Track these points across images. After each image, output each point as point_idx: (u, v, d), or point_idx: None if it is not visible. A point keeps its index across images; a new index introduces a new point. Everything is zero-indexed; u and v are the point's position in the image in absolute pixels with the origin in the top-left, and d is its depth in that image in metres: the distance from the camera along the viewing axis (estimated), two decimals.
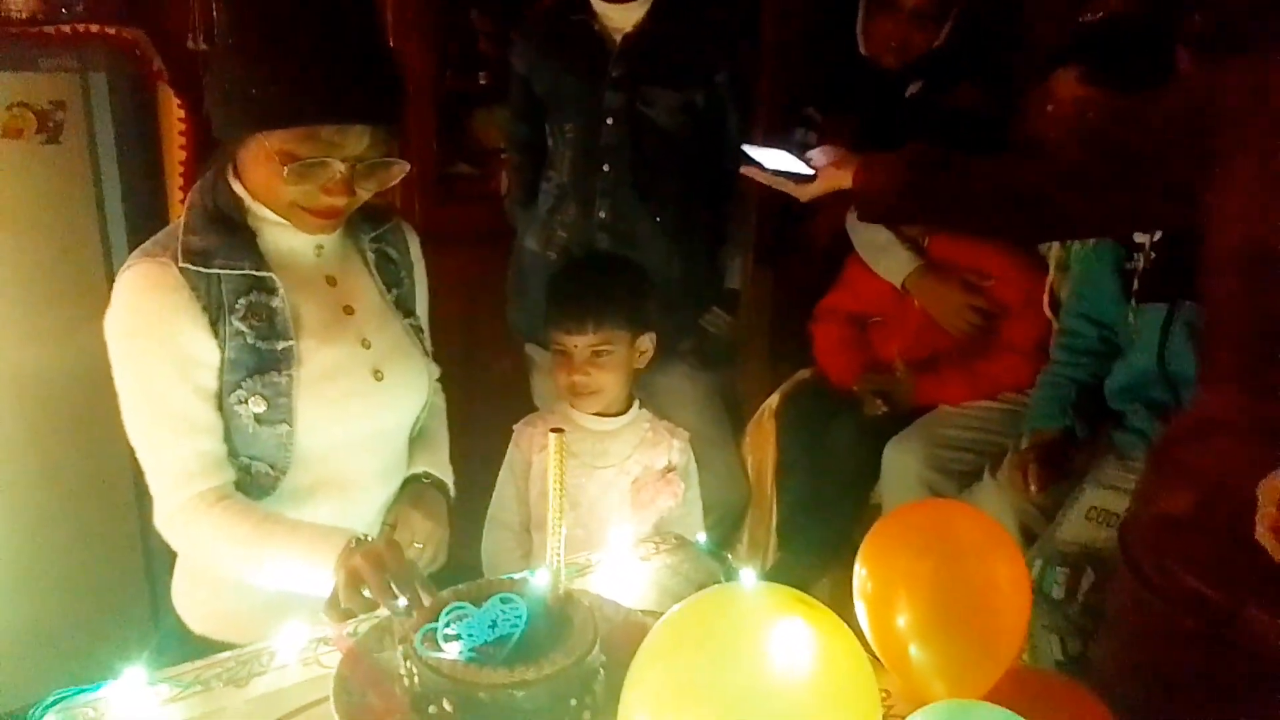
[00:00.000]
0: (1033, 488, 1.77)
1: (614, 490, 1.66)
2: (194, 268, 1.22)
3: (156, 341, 1.22)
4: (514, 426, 1.71)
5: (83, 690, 1.03)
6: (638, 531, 1.61)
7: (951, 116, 2.20)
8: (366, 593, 1.11)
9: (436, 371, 1.51)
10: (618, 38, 2.03)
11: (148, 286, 1.23)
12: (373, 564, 1.11)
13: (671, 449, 1.70)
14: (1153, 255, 1.71)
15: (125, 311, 1.23)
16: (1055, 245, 2.05)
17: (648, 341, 1.67)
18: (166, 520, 1.27)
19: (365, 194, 1.25)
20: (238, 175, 1.28)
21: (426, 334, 1.48)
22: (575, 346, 1.60)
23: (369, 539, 1.19)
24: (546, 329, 1.66)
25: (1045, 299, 2.06)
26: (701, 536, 1.43)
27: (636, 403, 1.70)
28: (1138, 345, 1.73)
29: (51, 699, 1.02)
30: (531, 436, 1.67)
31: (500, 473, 1.71)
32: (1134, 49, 1.85)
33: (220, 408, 1.26)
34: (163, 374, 1.22)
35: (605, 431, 1.66)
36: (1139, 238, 1.74)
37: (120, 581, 2.02)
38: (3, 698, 1.97)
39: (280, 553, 1.23)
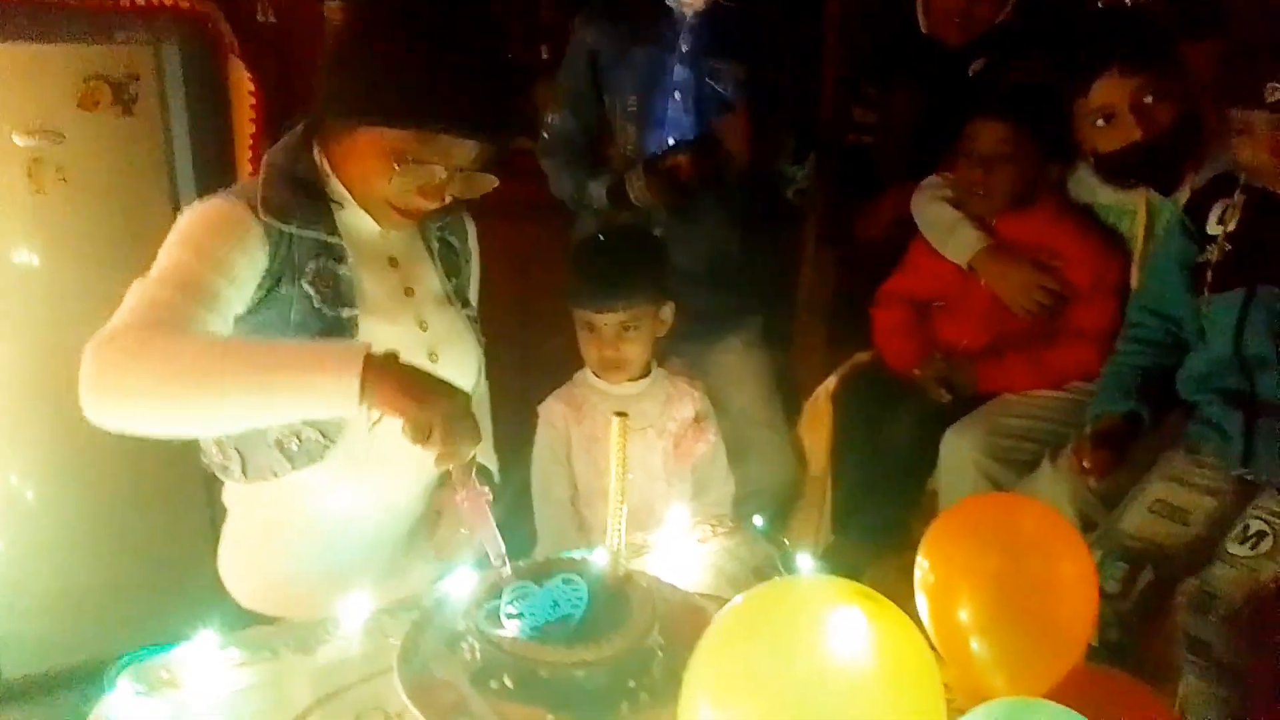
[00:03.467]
0: (1090, 473, 1.73)
1: (656, 451, 1.72)
2: (271, 220, 1.23)
3: (214, 240, 1.19)
4: (538, 407, 1.74)
5: (157, 650, 1.06)
6: (679, 481, 1.70)
7: (1016, 92, 2.14)
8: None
9: (483, 362, 1.53)
10: (688, 12, 2.04)
11: (221, 209, 1.22)
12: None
13: (693, 398, 1.77)
14: (1227, 246, 1.66)
15: (191, 219, 1.22)
16: (1141, 223, 1.99)
17: (669, 311, 1.71)
18: (107, 336, 1.09)
19: (449, 199, 1.27)
20: (324, 152, 1.29)
21: (478, 324, 1.49)
22: (605, 323, 1.65)
23: (395, 355, 1.11)
24: (573, 304, 1.68)
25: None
26: (759, 520, 1.42)
27: (654, 363, 1.75)
28: (1211, 334, 1.68)
29: (125, 659, 1.05)
30: (564, 413, 1.72)
31: (536, 451, 1.75)
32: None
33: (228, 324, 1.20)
34: (203, 257, 1.18)
35: (632, 395, 1.71)
36: (1213, 229, 1.69)
37: (188, 546, 2.07)
38: (74, 651, 2.05)
39: (282, 362, 1.11)
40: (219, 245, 1.20)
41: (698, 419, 1.76)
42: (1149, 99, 1.83)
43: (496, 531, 1.11)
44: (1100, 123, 1.88)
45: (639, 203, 2.06)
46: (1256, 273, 1.60)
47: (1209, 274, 1.67)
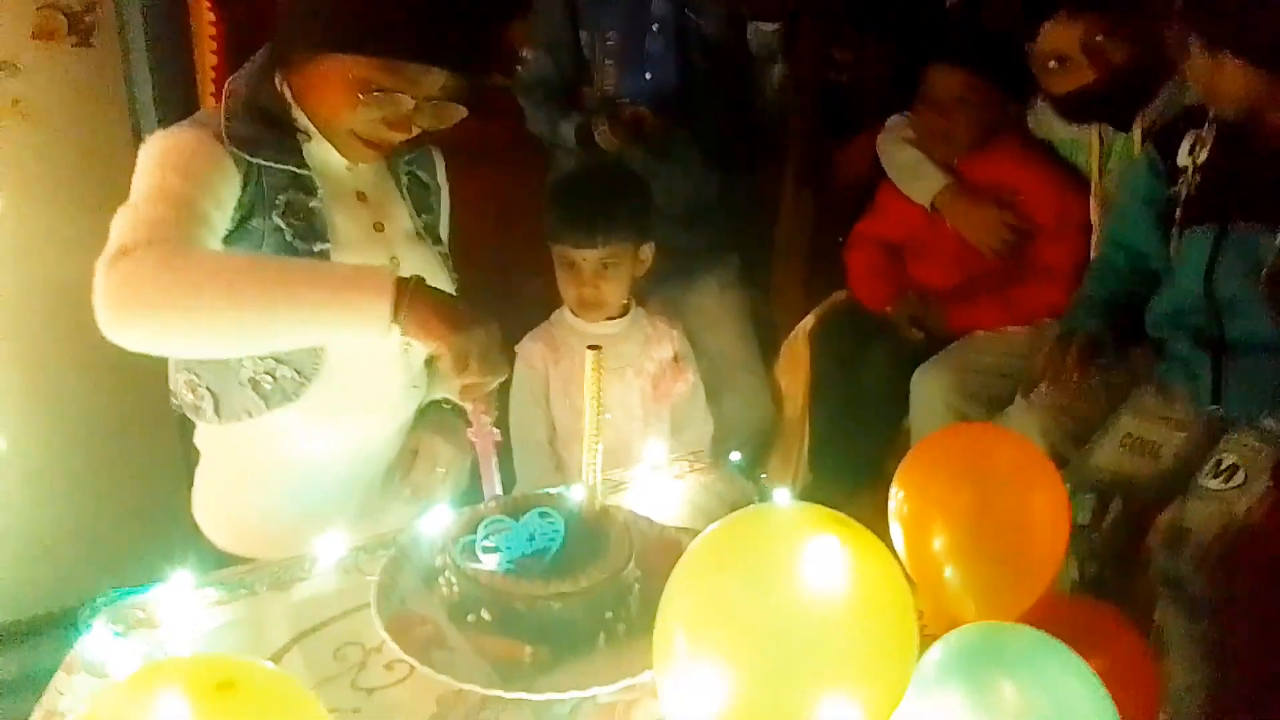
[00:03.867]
0: (1073, 370, 1.74)
1: (634, 390, 1.73)
2: (238, 151, 1.20)
3: (192, 161, 1.16)
4: (515, 347, 1.73)
5: (131, 591, 1.05)
6: (657, 421, 1.70)
7: (973, 38, 2.12)
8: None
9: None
10: None
11: (189, 139, 1.19)
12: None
13: (672, 339, 1.77)
14: (1197, 179, 1.65)
15: (160, 148, 1.18)
16: (1095, 158, 1.98)
17: (648, 250, 1.70)
18: (118, 254, 1.04)
19: (417, 131, 1.25)
20: (288, 83, 1.25)
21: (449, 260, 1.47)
22: (584, 260, 1.64)
23: (422, 279, 1.10)
24: (553, 241, 1.67)
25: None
26: (736, 456, 1.43)
27: (633, 303, 1.74)
28: (1181, 271, 1.68)
29: (101, 600, 1.05)
30: (541, 353, 1.71)
31: (513, 392, 1.73)
32: None
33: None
34: (186, 175, 1.15)
35: (610, 334, 1.70)
36: (1183, 160, 1.68)
37: (164, 489, 2.06)
38: (51, 597, 2.05)
39: (306, 282, 1.08)
40: (198, 167, 1.17)
41: (676, 359, 1.76)
42: (1100, 39, 1.81)
43: (497, 474, 1.11)
44: (1053, 64, 1.87)
45: (604, 146, 2.04)
46: (1229, 209, 1.59)
47: (1178, 210, 1.67)
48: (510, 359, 1.12)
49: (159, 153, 1.18)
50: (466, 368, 1.08)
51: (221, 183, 1.18)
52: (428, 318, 1.06)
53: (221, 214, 1.18)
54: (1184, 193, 1.66)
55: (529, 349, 1.73)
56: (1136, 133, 1.89)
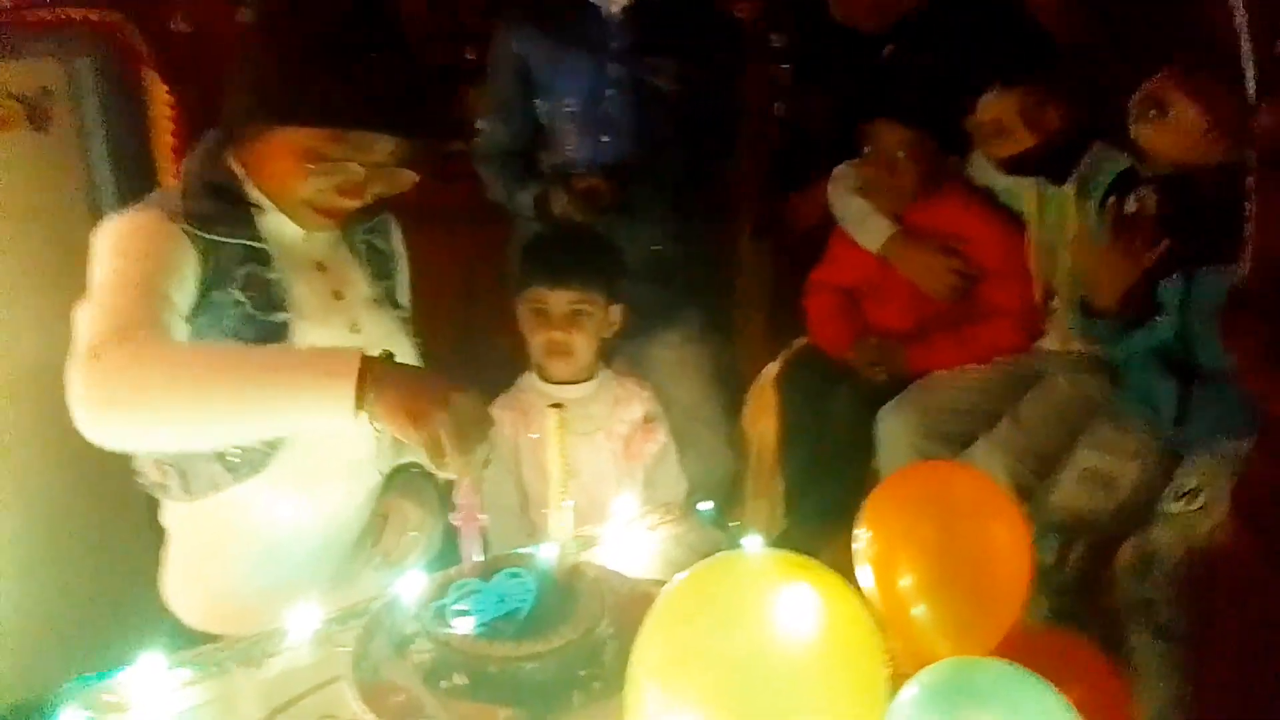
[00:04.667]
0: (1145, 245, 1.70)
1: (605, 452, 1.73)
2: (194, 230, 1.21)
3: (148, 255, 1.15)
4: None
5: (101, 677, 1.04)
6: (630, 483, 1.68)
7: (913, 94, 2.18)
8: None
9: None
10: (614, 8, 2.04)
11: (142, 226, 1.19)
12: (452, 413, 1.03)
13: (642, 399, 1.78)
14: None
15: (114, 242, 1.17)
16: (1034, 208, 2.04)
17: (618, 313, 1.72)
18: (88, 355, 1.04)
19: (370, 198, 1.26)
20: (239, 159, 1.27)
21: (410, 324, 1.48)
22: (554, 303, 1.65)
23: (390, 355, 1.10)
24: (524, 288, 1.69)
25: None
26: (705, 505, 1.44)
27: (601, 365, 1.75)
28: (1157, 320, 1.72)
29: (69, 686, 1.03)
30: (511, 419, 1.70)
31: None
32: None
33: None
34: (143, 262, 1.14)
35: (579, 397, 1.71)
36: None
37: (129, 573, 2.02)
38: (17, 687, 1.99)
39: (271, 373, 1.06)
40: (154, 249, 1.17)
41: (647, 419, 1.77)
42: (1037, 105, 1.88)
43: (479, 550, 1.10)
44: (992, 135, 1.94)
45: (561, 217, 2.07)
46: (1190, 255, 1.64)
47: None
48: (484, 428, 1.06)
49: (114, 241, 1.19)
50: (443, 454, 1.03)
51: (180, 263, 1.18)
52: (395, 403, 1.03)
53: (183, 293, 1.18)
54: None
55: (497, 416, 1.71)
56: (1070, 188, 1.96)
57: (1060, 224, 1.99)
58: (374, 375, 1.03)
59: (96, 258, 1.18)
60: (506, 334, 2.37)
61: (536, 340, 1.69)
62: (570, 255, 1.70)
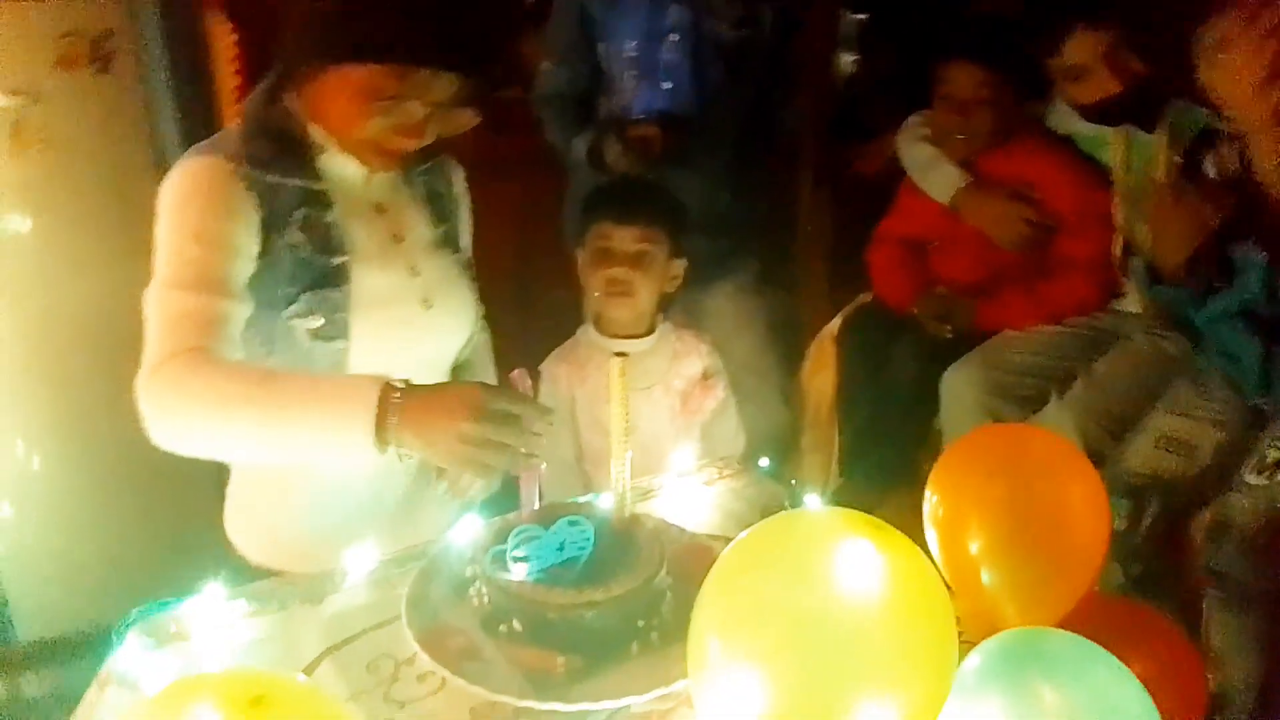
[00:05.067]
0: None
1: (662, 407, 1.70)
2: (253, 171, 1.21)
3: (205, 214, 1.19)
4: (540, 368, 1.71)
5: (164, 605, 1.06)
6: (688, 439, 1.66)
7: (989, 34, 2.10)
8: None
9: (481, 309, 1.51)
10: None
11: (203, 171, 1.21)
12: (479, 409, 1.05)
13: (701, 353, 1.75)
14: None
15: (178, 190, 1.21)
16: (1119, 156, 1.96)
17: (679, 267, 1.70)
18: (149, 375, 1.15)
19: (431, 138, 1.25)
20: (299, 99, 1.26)
21: (472, 268, 1.47)
22: (618, 240, 1.63)
23: (410, 382, 1.11)
24: (590, 224, 1.67)
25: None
26: (764, 461, 1.42)
27: (661, 317, 1.73)
28: (1240, 279, 1.64)
29: (134, 615, 1.05)
30: (567, 372, 1.70)
31: None
32: None
33: (256, 316, 1.22)
34: (203, 240, 1.18)
35: (638, 351, 1.68)
36: (1211, 175, 1.65)
37: (195, 507, 2.07)
38: (83, 614, 2.06)
39: (297, 407, 1.11)
40: (214, 221, 1.19)
41: (706, 375, 1.74)
42: (1121, 50, 1.79)
43: (538, 496, 1.10)
44: (1076, 78, 1.86)
45: (614, 166, 2.03)
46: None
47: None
48: (514, 421, 1.07)
49: (175, 205, 1.21)
50: (484, 468, 1.07)
51: (240, 225, 1.20)
52: (415, 430, 1.06)
53: (246, 259, 1.21)
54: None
55: (553, 369, 1.71)
56: (1162, 135, 1.87)
57: (1148, 174, 1.90)
58: (393, 404, 1.07)
59: (161, 217, 1.21)
60: (561, 286, 2.37)
61: (597, 278, 1.65)
62: (638, 195, 1.71)
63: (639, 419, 1.65)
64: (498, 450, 1.06)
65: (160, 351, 1.15)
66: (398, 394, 1.08)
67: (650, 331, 1.71)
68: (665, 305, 1.73)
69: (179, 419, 1.13)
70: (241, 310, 1.20)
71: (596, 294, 1.67)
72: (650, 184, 1.81)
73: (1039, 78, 1.99)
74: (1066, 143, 2.09)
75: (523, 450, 1.07)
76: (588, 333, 1.72)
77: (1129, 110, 1.86)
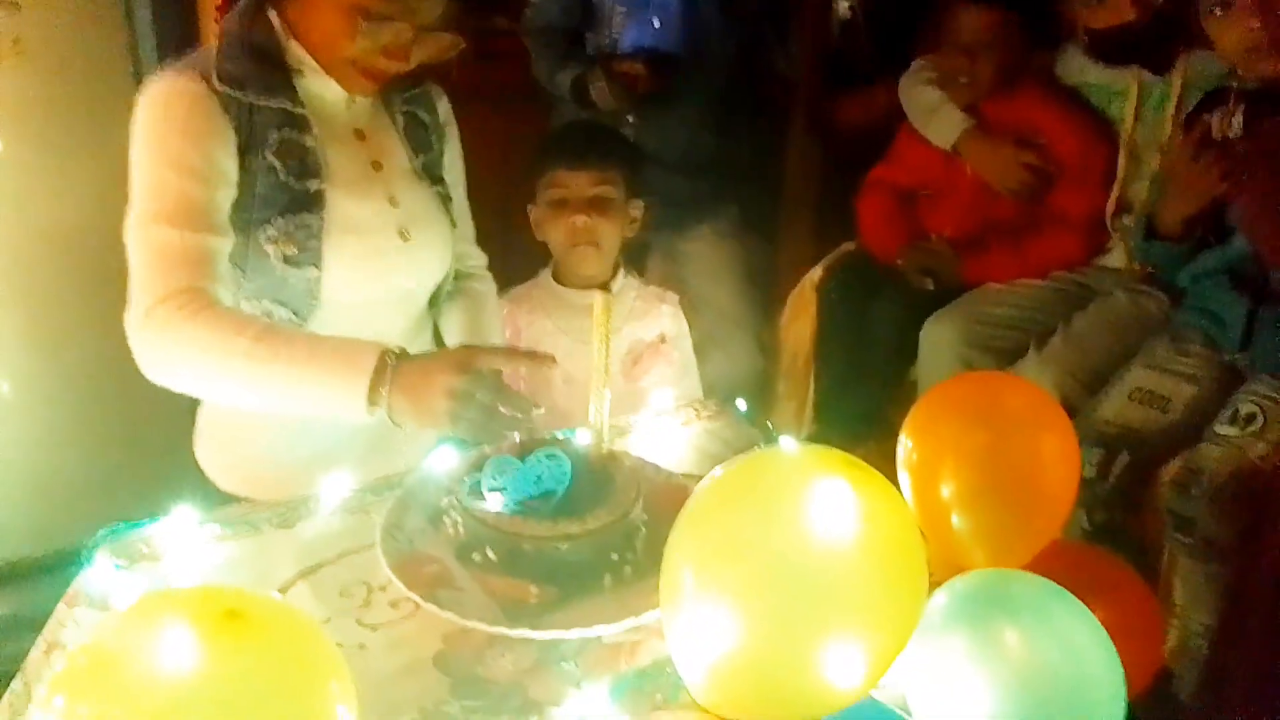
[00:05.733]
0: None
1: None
2: (230, 91, 1.19)
3: (182, 141, 1.18)
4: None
5: (134, 526, 1.05)
6: (632, 402, 1.60)
7: None
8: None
9: (483, 259, 1.52)
10: None
11: (178, 94, 1.19)
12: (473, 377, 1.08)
13: (661, 315, 1.70)
14: (1238, 151, 1.62)
15: (153, 114, 1.19)
16: (1131, 104, 1.95)
17: (637, 208, 1.66)
18: (144, 317, 1.14)
19: (415, 62, 1.23)
20: (282, 16, 1.23)
21: (457, 203, 1.45)
22: (576, 184, 1.60)
23: (404, 350, 1.14)
24: (545, 172, 1.63)
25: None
26: (742, 403, 1.42)
27: (622, 271, 1.69)
28: (1234, 237, 1.65)
29: (104, 534, 1.04)
30: (512, 313, 1.66)
31: None
32: None
33: (232, 230, 1.21)
34: (184, 170, 1.17)
35: (586, 305, 1.64)
36: (1216, 134, 1.65)
37: (167, 430, 2.06)
38: (53, 536, 2.06)
39: (294, 366, 1.12)
40: (193, 148, 1.17)
41: (662, 339, 1.69)
42: None
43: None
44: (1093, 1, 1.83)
45: (599, 103, 2.00)
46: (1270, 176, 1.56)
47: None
48: (511, 395, 1.10)
49: (151, 128, 1.18)
50: (466, 424, 1.08)
51: (218, 148, 1.18)
52: (406, 401, 1.09)
53: (227, 185, 1.20)
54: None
55: (509, 309, 1.68)
56: (1176, 79, 1.85)
57: (1158, 123, 1.89)
58: (388, 373, 1.10)
59: (137, 140, 1.19)
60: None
61: (557, 229, 1.62)
62: (588, 139, 1.68)
63: (578, 371, 1.61)
64: (483, 410, 1.07)
65: (153, 292, 1.15)
66: (393, 360, 1.10)
67: (609, 283, 1.66)
68: (626, 251, 1.70)
69: (175, 365, 1.15)
70: (227, 244, 1.20)
71: (559, 246, 1.64)
72: (597, 125, 1.79)
73: (1048, 23, 1.97)
74: (1074, 94, 2.07)
75: (506, 412, 1.08)
76: (546, 278, 1.69)
77: (1143, 45, 1.84)
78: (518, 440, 1.06)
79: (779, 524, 0.74)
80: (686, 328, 1.75)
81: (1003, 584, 0.89)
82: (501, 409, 1.08)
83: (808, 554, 0.74)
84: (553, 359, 1.20)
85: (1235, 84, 1.62)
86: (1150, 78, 1.92)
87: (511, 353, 1.13)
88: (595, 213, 1.59)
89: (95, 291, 2.04)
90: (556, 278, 1.68)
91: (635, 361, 1.67)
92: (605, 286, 1.07)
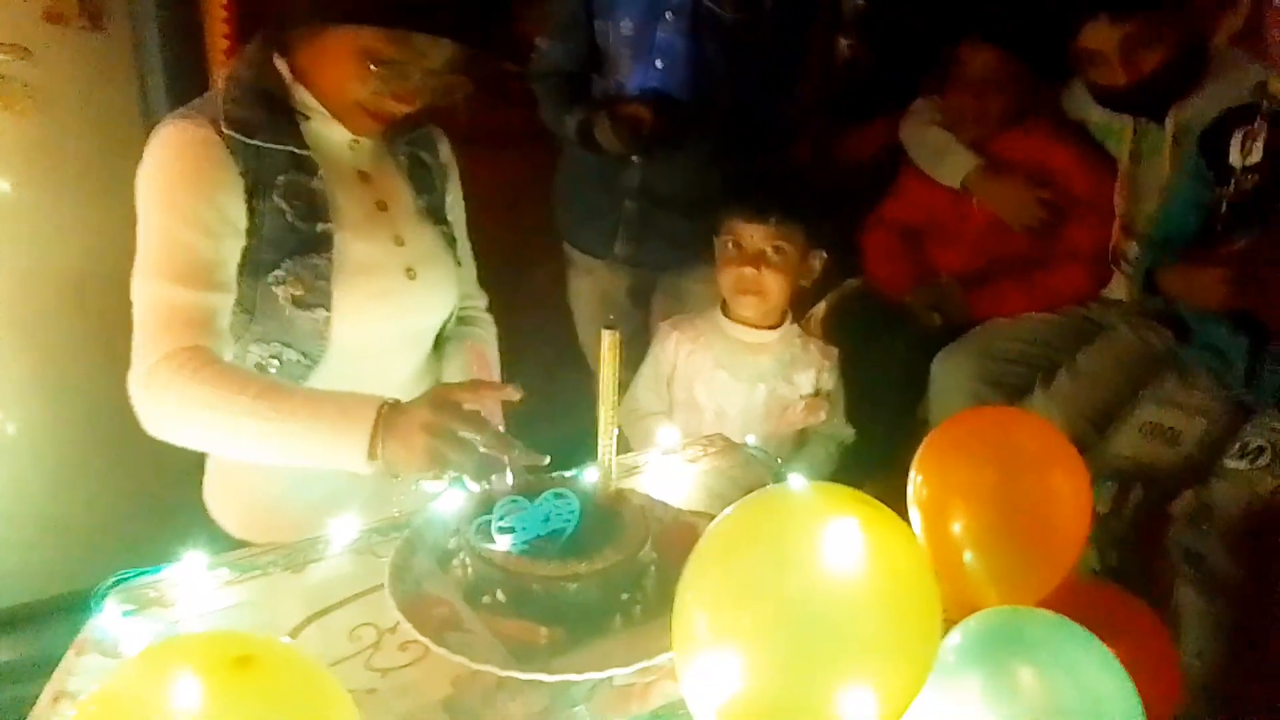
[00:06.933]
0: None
1: (758, 407, 1.69)
2: (237, 135, 1.20)
3: (191, 194, 1.18)
4: (660, 324, 1.76)
5: (144, 572, 1.05)
6: (774, 444, 1.67)
7: (1006, 15, 2.08)
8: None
9: (484, 300, 1.52)
10: None
11: (187, 142, 1.20)
12: (451, 416, 1.07)
13: (821, 370, 1.72)
14: (1254, 178, 1.62)
15: (161, 164, 1.20)
16: (1127, 144, 1.96)
17: (818, 260, 1.68)
18: (146, 375, 1.15)
19: (423, 104, 1.25)
20: (289, 61, 1.25)
21: (461, 242, 1.47)
22: (751, 238, 1.61)
23: (397, 401, 1.13)
24: (725, 219, 1.66)
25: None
26: (751, 439, 1.42)
27: (789, 317, 1.71)
28: None
29: (113, 580, 1.04)
30: (676, 340, 1.71)
31: (643, 368, 1.75)
32: None
33: (239, 281, 1.22)
34: (191, 224, 1.18)
35: (755, 344, 1.66)
36: (1234, 159, 1.65)
37: (173, 474, 2.05)
38: (61, 580, 2.05)
39: (295, 422, 1.12)
40: (202, 201, 1.18)
41: (817, 393, 1.72)
42: (1137, 44, 1.79)
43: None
44: (1088, 64, 1.86)
45: (603, 144, 2.02)
46: (1268, 212, 1.57)
47: (1224, 208, 1.64)
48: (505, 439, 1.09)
49: (159, 179, 1.19)
50: (442, 460, 1.07)
51: (225, 197, 1.19)
52: (402, 452, 1.08)
53: (234, 235, 1.20)
54: (1230, 194, 1.64)
55: (666, 333, 1.74)
56: (1169, 125, 1.87)
57: (1155, 165, 1.91)
58: (384, 424, 1.09)
59: (143, 186, 1.19)
60: (544, 261, 2.35)
61: (728, 276, 1.65)
62: (772, 191, 1.68)
63: (731, 408, 1.66)
64: (461, 447, 1.06)
65: (155, 350, 1.15)
66: (387, 411, 1.10)
67: (775, 326, 1.69)
68: (802, 297, 1.73)
69: (177, 423, 1.15)
70: (231, 299, 1.21)
71: (727, 289, 1.67)
72: (787, 178, 1.79)
73: (1055, 61, 1.99)
74: (1081, 129, 2.09)
75: (483, 449, 1.07)
76: (714, 313, 1.72)
77: (1136, 102, 1.86)
78: (510, 480, 1.06)
79: (791, 565, 0.74)
80: (842, 389, 1.77)
81: (1018, 622, 0.88)
82: (480, 447, 1.07)
83: (821, 595, 0.73)
84: (517, 391, 1.16)
85: (1265, 103, 1.62)
86: (1147, 123, 1.94)
87: (477, 385, 1.13)
88: (766, 267, 1.62)
89: (104, 335, 2.06)
90: (725, 311, 1.71)
91: (784, 410, 1.70)
92: (613, 327, 1.06)
